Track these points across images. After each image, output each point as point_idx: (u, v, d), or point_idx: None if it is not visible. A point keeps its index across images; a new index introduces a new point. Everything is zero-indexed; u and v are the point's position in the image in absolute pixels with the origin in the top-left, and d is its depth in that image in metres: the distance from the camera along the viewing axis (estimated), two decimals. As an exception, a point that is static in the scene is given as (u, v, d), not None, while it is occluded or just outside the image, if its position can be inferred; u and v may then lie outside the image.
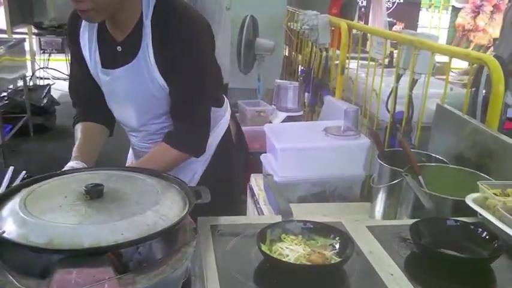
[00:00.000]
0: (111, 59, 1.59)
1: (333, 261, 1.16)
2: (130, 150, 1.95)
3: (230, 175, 1.93)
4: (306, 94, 3.83)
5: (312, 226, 1.27)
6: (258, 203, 2.69)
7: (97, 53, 1.61)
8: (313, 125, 2.80)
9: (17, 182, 1.58)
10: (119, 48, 1.57)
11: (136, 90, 1.59)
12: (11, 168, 1.73)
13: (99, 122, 1.72)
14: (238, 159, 2.06)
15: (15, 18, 6.02)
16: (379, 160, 1.98)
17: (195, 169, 1.78)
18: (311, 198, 2.40)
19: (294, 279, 1.13)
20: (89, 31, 1.60)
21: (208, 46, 1.62)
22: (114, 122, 1.78)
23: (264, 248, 1.19)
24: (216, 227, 1.33)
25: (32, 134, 5.46)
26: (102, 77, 1.62)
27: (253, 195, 2.83)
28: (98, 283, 0.86)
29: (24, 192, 1.08)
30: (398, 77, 2.60)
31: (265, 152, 2.57)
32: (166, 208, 1.01)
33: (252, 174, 2.93)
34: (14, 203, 1.02)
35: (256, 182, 2.83)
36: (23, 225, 0.94)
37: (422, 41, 2.36)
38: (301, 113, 3.72)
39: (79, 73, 1.71)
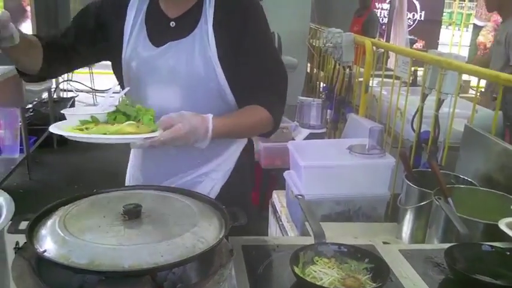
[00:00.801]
0: (161, 34, 1.55)
1: (368, 287, 1.15)
2: (133, 160, 1.82)
3: (250, 188, 1.91)
4: (328, 111, 3.82)
5: (345, 250, 1.26)
6: (281, 220, 2.68)
7: (143, 27, 1.57)
8: (337, 143, 2.79)
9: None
10: (172, 23, 1.55)
11: (184, 66, 1.52)
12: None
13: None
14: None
15: (42, 31, 6.13)
16: (407, 181, 1.96)
17: (216, 179, 1.71)
18: (335, 217, 2.38)
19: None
20: (138, 5, 1.58)
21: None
22: (52, 68, 1.59)
23: (297, 270, 1.19)
24: (247, 247, 1.33)
25: (56, 146, 5.52)
26: (145, 53, 1.56)
27: (275, 211, 2.82)
28: (138, 305, 0.86)
29: (62, 210, 1.09)
30: (424, 97, 2.59)
31: (288, 169, 2.56)
32: (204, 230, 1.02)
33: (274, 191, 2.93)
34: (53, 222, 1.03)
35: (278, 198, 2.82)
36: (64, 245, 0.95)
37: (449, 62, 2.35)
38: (324, 130, 3.72)
39: (71, 37, 1.61)
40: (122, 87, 1.65)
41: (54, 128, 1.20)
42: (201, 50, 1.52)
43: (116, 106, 1.27)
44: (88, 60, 1.76)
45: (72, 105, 5.89)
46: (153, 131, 1.23)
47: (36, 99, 5.56)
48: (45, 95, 5.59)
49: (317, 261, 1.24)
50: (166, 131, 1.27)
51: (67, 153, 5.37)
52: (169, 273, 1.14)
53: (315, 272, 1.19)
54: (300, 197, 1.47)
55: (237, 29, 1.53)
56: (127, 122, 1.19)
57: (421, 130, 2.62)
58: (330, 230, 1.28)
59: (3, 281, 1.09)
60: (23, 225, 1.03)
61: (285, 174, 2.56)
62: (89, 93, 7.38)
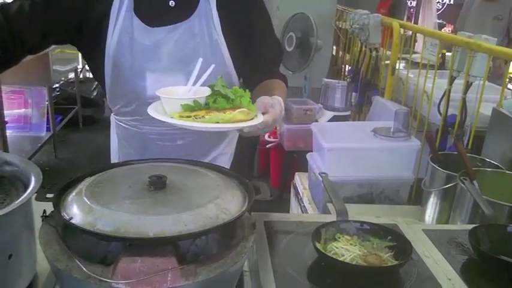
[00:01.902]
0: (159, 15, 1.43)
1: (389, 264, 1.15)
2: (116, 143, 1.73)
3: (252, 170, 1.92)
4: (353, 94, 3.79)
5: (368, 227, 1.26)
6: (302, 202, 2.68)
7: (132, 8, 1.41)
8: (361, 125, 2.77)
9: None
10: (171, 3, 1.43)
11: (189, 51, 1.43)
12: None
13: None
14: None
15: None
16: (432, 163, 1.94)
17: (224, 162, 1.66)
18: (357, 200, 2.37)
19: (348, 279, 1.13)
20: None
21: None
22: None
23: (319, 246, 1.19)
24: (270, 223, 1.34)
25: (81, 125, 5.61)
26: (139, 38, 1.41)
27: (297, 193, 2.82)
28: (162, 273, 0.87)
29: (88, 181, 1.11)
30: (451, 80, 2.54)
31: (311, 151, 2.56)
32: (228, 202, 1.02)
33: (296, 173, 2.93)
34: (79, 191, 1.05)
35: (300, 180, 2.82)
36: (90, 213, 0.96)
37: (479, 43, 2.30)
38: (348, 112, 3.69)
39: (38, 12, 1.37)
40: (100, 80, 1.53)
41: (160, 116, 1.19)
42: (206, 31, 1.44)
43: (211, 87, 1.24)
44: (41, 47, 1.47)
45: (98, 85, 5.94)
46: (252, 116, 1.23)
47: (63, 79, 5.64)
48: (71, 75, 5.66)
49: (339, 238, 1.24)
50: (267, 115, 1.24)
51: (92, 132, 5.46)
52: (192, 245, 1.15)
53: (337, 248, 1.19)
54: (323, 175, 1.47)
55: (241, 3, 1.50)
56: (238, 110, 1.17)
57: (448, 114, 2.58)
58: (352, 211, 1.28)
59: (31, 248, 1.11)
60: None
61: (308, 156, 2.55)
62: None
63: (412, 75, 3.13)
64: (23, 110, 4.62)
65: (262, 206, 3.81)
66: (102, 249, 1.12)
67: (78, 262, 0.91)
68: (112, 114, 1.69)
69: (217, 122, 1.15)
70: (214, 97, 1.21)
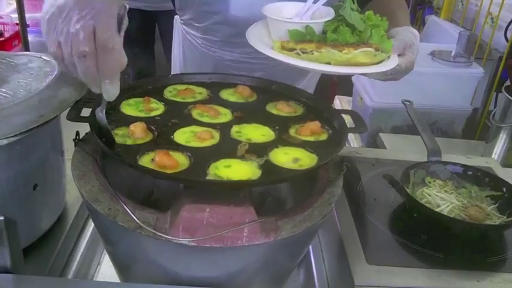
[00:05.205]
0: None
1: (497, 220, 0.94)
2: (180, 56, 1.42)
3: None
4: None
5: (464, 171, 1.03)
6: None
7: None
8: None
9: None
10: None
11: None
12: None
13: None
14: None
15: None
16: (507, 94, 1.69)
17: None
18: (406, 130, 2.15)
19: (443, 234, 0.92)
20: None
21: None
22: None
23: (410, 192, 0.97)
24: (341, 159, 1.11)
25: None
26: None
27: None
28: (236, 228, 0.66)
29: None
30: (526, -1, 2.22)
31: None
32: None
33: (336, 96, 2.68)
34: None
35: (341, 105, 2.58)
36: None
37: None
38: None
39: None
40: None
41: (257, 42, 0.89)
42: None
43: (337, 8, 0.90)
44: None
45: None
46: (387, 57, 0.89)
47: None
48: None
49: (429, 182, 1.02)
50: (402, 59, 0.92)
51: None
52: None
53: (430, 196, 0.98)
54: (407, 103, 1.23)
55: None
56: (361, 49, 0.83)
57: (516, 40, 2.29)
58: (403, 144, 1.06)
59: (60, 177, 0.91)
60: (86, 112, 0.82)
61: (354, 78, 2.29)
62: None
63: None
64: (46, 13, 4.30)
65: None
66: (150, 182, 0.91)
67: (124, 205, 0.69)
68: (179, 20, 1.37)
69: (329, 63, 0.84)
70: (336, 24, 0.88)
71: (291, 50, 0.85)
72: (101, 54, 0.66)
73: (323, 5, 0.92)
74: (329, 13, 0.90)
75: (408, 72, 0.95)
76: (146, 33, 2.90)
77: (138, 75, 2.83)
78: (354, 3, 0.88)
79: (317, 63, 0.84)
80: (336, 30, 0.87)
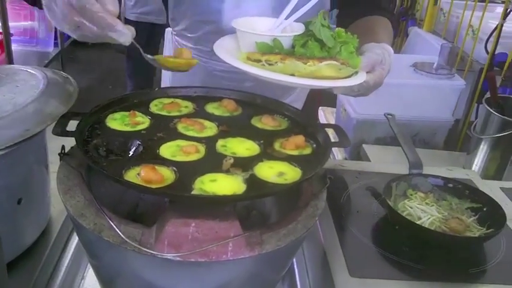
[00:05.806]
0: None
1: (476, 232, 0.95)
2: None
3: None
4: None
5: (444, 184, 1.05)
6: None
7: None
8: (400, 58, 2.50)
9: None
10: None
11: None
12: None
13: None
14: None
15: None
16: (487, 106, 1.72)
17: None
18: (390, 141, 2.17)
19: (424, 246, 0.93)
20: None
21: None
22: None
23: (392, 205, 0.99)
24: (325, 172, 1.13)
25: (90, 43, 5.27)
26: None
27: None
28: (222, 242, 0.67)
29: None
30: (505, 13, 2.27)
31: (337, 84, 2.31)
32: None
33: (320, 108, 2.71)
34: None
35: (325, 116, 2.60)
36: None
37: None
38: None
39: None
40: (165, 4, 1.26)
41: (223, 53, 0.89)
42: None
43: (307, 24, 0.90)
44: None
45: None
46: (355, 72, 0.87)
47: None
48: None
49: (411, 195, 1.04)
50: (371, 76, 0.89)
51: (102, 50, 5.11)
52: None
53: (411, 208, 1.00)
54: (389, 116, 1.25)
55: None
56: (326, 62, 0.82)
57: (496, 52, 2.33)
58: (386, 155, 1.08)
59: (44, 191, 0.91)
60: (71, 126, 0.82)
61: (338, 89, 2.31)
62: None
63: (454, 7, 2.83)
64: (29, 22, 4.24)
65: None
66: (134, 197, 0.91)
67: (110, 220, 0.70)
68: (171, 31, 1.39)
69: (293, 75, 0.84)
70: (304, 39, 0.88)
71: (257, 61, 0.86)
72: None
73: (295, 21, 0.92)
74: (300, 29, 0.91)
75: (377, 88, 0.94)
76: (152, 46, 2.94)
77: (138, 88, 2.88)
78: (324, 19, 0.89)
79: (280, 74, 0.83)
80: (304, 45, 0.87)
